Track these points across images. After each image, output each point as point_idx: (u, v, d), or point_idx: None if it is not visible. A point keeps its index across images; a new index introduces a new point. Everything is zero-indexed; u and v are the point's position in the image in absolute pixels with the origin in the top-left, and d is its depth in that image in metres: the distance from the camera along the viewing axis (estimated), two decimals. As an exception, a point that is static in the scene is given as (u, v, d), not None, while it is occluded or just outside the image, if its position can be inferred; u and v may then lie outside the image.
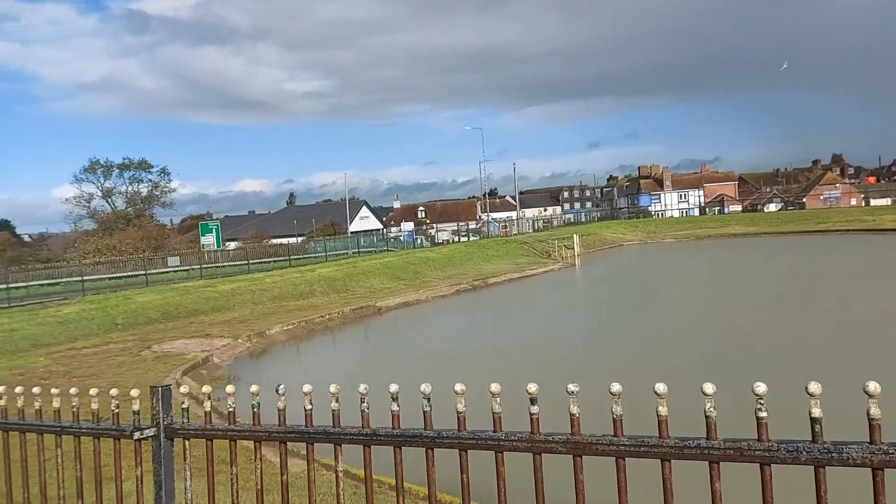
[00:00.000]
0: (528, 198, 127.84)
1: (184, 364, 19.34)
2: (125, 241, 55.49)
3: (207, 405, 3.27)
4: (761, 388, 2.06)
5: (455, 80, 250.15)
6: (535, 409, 2.43)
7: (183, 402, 3.41)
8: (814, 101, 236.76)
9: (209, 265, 42.05)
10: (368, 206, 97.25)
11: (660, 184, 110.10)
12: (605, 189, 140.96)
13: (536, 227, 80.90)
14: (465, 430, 2.58)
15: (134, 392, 3.39)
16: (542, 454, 2.44)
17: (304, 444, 3.03)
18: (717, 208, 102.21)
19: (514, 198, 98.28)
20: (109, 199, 78.33)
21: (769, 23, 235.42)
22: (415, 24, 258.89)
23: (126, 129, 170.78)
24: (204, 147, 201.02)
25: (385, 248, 59.70)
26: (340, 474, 2.89)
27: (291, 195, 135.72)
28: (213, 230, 49.73)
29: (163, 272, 39.91)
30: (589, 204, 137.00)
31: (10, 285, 32.58)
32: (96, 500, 3.46)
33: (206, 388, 3.27)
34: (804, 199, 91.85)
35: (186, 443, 3.31)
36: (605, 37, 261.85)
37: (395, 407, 2.74)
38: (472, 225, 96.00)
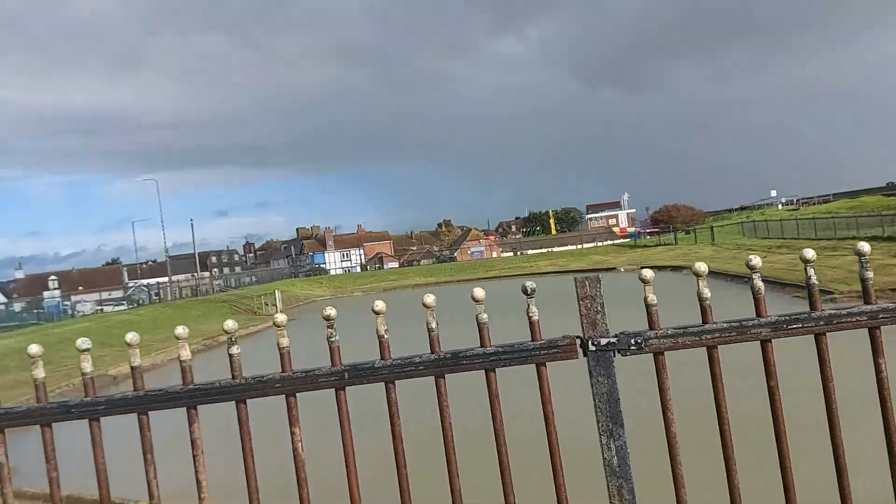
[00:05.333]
0: (177, 263, 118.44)
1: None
2: None
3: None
4: None
5: (60, 144, 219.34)
6: None
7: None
8: (429, 173, 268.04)
9: None
10: (-12, 276, 78.93)
11: (322, 243, 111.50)
12: (259, 252, 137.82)
13: (184, 295, 74.69)
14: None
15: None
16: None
17: None
18: (377, 265, 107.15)
19: (168, 260, 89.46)
20: None
21: (386, 107, 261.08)
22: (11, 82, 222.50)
23: None
24: None
25: (34, 322, 53.13)
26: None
27: None
28: None
29: None
30: (238, 268, 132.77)
31: None
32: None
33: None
34: (455, 254, 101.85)
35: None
36: (226, 110, 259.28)
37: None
38: (119, 293, 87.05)
